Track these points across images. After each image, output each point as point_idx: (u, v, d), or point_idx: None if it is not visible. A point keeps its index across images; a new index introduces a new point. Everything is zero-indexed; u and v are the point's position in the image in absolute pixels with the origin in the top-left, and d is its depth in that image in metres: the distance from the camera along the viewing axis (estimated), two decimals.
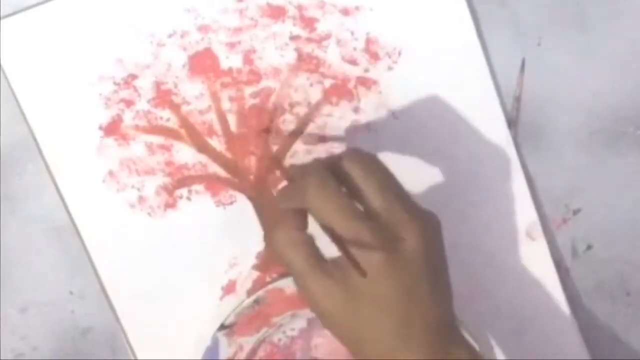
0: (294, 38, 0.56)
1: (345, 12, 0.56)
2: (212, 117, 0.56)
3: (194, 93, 0.56)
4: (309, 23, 0.56)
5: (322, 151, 0.57)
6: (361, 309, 0.47)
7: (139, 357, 0.57)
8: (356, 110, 0.57)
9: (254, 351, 0.57)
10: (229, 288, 0.57)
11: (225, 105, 0.56)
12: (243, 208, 0.57)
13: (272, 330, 0.57)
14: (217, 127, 0.56)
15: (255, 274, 0.57)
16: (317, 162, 0.50)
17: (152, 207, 0.56)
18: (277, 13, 0.56)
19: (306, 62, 0.56)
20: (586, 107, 0.58)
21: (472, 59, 0.57)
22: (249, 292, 0.57)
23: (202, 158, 0.56)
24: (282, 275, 0.57)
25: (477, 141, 0.57)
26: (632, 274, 0.59)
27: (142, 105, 0.56)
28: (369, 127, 0.57)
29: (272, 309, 0.57)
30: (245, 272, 0.57)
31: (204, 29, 0.56)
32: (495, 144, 0.58)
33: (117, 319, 0.57)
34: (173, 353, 0.57)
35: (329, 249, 0.47)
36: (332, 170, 0.48)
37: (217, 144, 0.56)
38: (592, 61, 0.58)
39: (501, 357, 0.58)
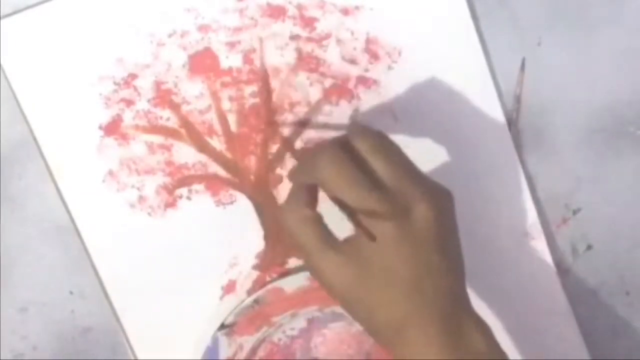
0: (294, 38, 0.56)
1: (345, 11, 0.56)
2: (212, 116, 0.56)
3: (194, 93, 0.56)
4: (309, 23, 0.56)
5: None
6: (373, 279, 0.47)
7: (139, 357, 0.57)
8: (356, 110, 0.57)
9: (254, 351, 0.57)
10: (229, 288, 0.57)
11: (225, 105, 0.56)
12: (243, 208, 0.57)
13: (272, 330, 0.57)
14: (217, 126, 0.56)
15: (255, 274, 0.57)
16: (328, 139, 0.51)
17: (152, 207, 0.56)
18: (277, 13, 0.56)
19: (306, 62, 0.56)
20: (586, 107, 0.58)
21: (472, 59, 0.57)
22: (249, 292, 0.57)
23: (202, 158, 0.56)
24: (282, 275, 0.57)
25: (477, 141, 0.57)
26: (632, 274, 0.59)
27: (142, 105, 0.56)
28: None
29: (272, 308, 0.57)
30: (245, 272, 0.57)
31: (204, 28, 0.56)
32: (495, 144, 0.58)
33: (117, 319, 0.57)
34: (173, 353, 0.57)
35: (338, 232, 0.48)
36: (342, 147, 0.49)
37: (217, 143, 0.56)
38: (592, 61, 0.58)
39: None
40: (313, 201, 0.50)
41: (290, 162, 0.57)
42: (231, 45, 0.56)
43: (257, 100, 0.56)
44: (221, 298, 0.57)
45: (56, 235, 0.57)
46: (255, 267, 0.57)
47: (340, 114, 0.57)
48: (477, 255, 0.58)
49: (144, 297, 0.57)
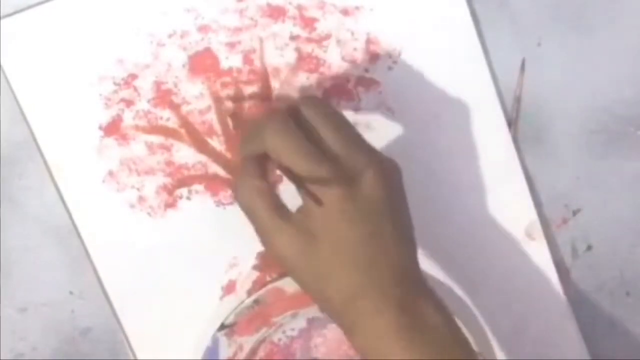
0: (294, 38, 0.56)
1: (345, 12, 0.56)
2: (212, 117, 0.56)
3: (194, 93, 0.56)
4: (309, 23, 0.56)
5: None
6: (322, 247, 0.47)
7: (139, 357, 0.57)
8: (356, 110, 0.57)
9: (254, 351, 0.57)
10: (229, 288, 0.57)
11: (226, 105, 0.56)
12: None
13: (272, 330, 0.57)
14: (217, 127, 0.56)
15: (255, 274, 0.57)
16: (276, 108, 0.51)
17: (152, 207, 0.56)
18: (277, 13, 0.56)
19: (306, 62, 0.56)
20: (586, 107, 0.58)
21: (472, 59, 0.57)
22: (249, 292, 0.57)
23: (202, 158, 0.56)
24: (282, 275, 0.57)
25: (477, 141, 0.57)
26: (632, 274, 0.59)
27: (142, 105, 0.56)
28: (368, 127, 0.57)
29: (272, 308, 0.57)
30: (245, 272, 0.57)
31: (204, 29, 0.56)
32: (495, 144, 0.58)
33: (117, 319, 0.57)
34: (173, 353, 0.57)
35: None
36: (291, 116, 0.49)
37: (217, 144, 0.56)
38: (592, 61, 0.58)
39: (501, 356, 0.58)
40: (264, 172, 0.49)
41: None
42: (231, 45, 0.56)
43: (257, 100, 0.56)
44: (221, 298, 0.57)
45: (56, 235, 0.57)
46: (255, 267, 0.57)
47: None
48: (477, 255, 0.58)
49: (144, 297, 0.57)
